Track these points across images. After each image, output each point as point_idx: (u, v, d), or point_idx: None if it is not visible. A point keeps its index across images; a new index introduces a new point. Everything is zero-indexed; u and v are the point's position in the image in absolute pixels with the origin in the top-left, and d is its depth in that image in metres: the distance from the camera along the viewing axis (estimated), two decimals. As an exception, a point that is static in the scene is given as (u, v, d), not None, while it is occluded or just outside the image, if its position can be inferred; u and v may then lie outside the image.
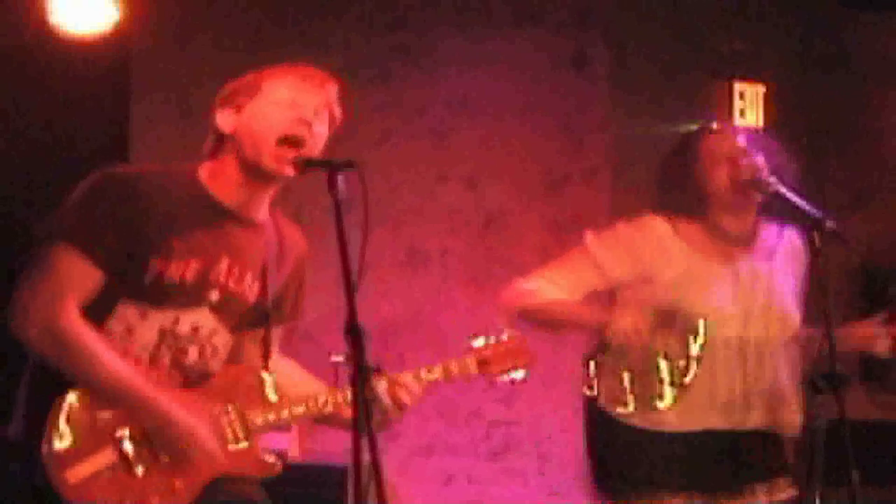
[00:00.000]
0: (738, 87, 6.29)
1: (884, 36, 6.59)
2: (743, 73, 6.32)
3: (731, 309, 3.87)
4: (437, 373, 3.34)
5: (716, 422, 3.87)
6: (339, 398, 3.23)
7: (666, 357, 3.81)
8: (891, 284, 6.28)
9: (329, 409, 3.25)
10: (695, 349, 3.79)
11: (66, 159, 5.33)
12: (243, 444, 3.18)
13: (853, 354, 4.17)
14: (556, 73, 6.22)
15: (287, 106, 3.14)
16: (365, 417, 2.82)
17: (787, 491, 3.95)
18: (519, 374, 3.48)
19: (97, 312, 3.07)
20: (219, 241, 3.16)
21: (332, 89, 3.21)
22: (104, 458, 3.04)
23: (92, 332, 3.04)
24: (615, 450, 3.90)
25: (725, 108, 6.20)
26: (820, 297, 3.68)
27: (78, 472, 3.00)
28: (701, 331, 3.79)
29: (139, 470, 3.06)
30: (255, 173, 3.15)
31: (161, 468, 3.08)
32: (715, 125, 4.07)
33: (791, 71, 6.55)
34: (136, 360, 3.10)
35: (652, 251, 3.88)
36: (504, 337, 3.46)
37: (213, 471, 3.13)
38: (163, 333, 3.12)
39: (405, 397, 3.26)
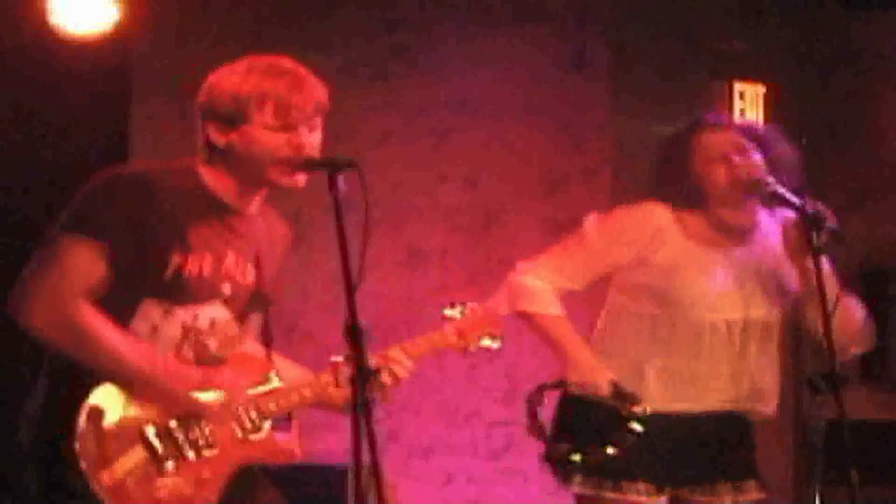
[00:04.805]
0: (738, 87, 6.29)
1: (884, 36, 6.59)
2: (743, 73, 6.32)
3: (724, 295, 3.88)
4: (423, 346, 3.41)
5: (694, 403, 3.89)
6: (339, 378, 3.25)
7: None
8: (891, 284, 6.28)
9: (332, 389, 3.28)
10: (637, 426, 3.79)
11: (66, 159, 5.34)
12: (262, 433, 3.23)
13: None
14: (556, 73, 6.22)
15: (281, 129, 3.12)
16: (365, 417, 2.83)
17: (753, 494, 3.97)
18: (495, 343, 3.56)
19: (122, 313, 3.09)
20: (224, 235, 3.20)
21: (322, 92, 3.19)
22: (135, 456, 3.06)
23: (98, 317, 3.05)
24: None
25: (725, 109, 6.20)
26: (820, 297, 3.68)
27: (113, 473, 3.02)
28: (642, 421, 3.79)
29: (169, 465, 3.09)
30: (253, 183, 3.20)
31: (188, 463, 3.11)
32: (710, 118, 4.06)
33: (791, 71, 6.55)
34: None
35: (647, 234, 3.90)
36: (474, 306, 3.58)
37: (237, 458, 3.17)
38: (185, 329, 3.16)
39: (399, 371, 3.32)
